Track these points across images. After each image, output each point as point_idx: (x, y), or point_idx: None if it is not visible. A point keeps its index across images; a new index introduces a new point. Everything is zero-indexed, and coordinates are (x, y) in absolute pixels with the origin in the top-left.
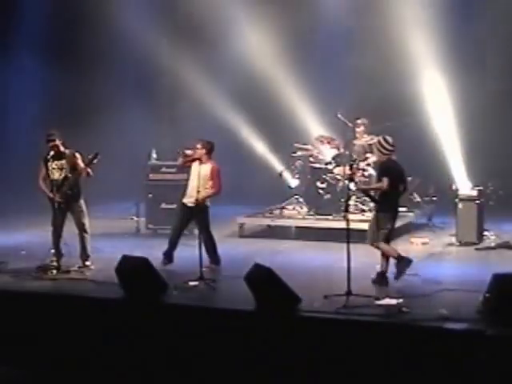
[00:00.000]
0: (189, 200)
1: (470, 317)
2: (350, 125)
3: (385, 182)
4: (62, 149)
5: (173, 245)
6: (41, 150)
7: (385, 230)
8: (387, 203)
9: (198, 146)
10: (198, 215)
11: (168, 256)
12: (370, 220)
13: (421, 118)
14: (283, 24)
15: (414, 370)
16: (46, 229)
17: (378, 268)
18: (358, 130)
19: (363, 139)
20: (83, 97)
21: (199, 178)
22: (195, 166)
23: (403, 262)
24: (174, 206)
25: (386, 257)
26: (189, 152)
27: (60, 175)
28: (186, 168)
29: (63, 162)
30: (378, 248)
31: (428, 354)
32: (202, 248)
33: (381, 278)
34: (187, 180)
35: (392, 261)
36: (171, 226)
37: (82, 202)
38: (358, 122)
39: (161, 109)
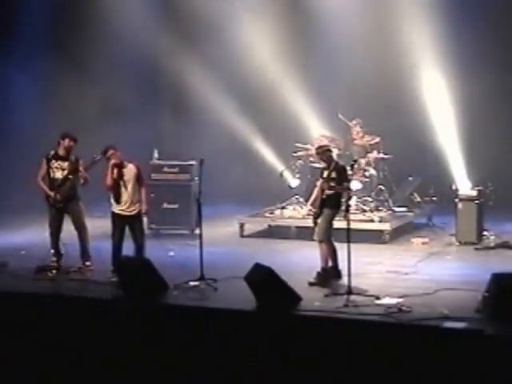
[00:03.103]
0: (127, 209)
1: (470, 316)
2: (351, 124)
3: (346, 184)
4: (71, 152)
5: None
6: (41, 150)
7: (331, 228)
8: (338, 201)
9: (112, 151)
10: (134, 222)
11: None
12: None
13: (421, 118)
14: (284, 24)
15: (414, 369)
16: (46, 229)
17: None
18: (354, 129)
19: (364, 139)
20: (84, 97)
21: (129, 182)
22: (115, 172)
23: (326, 275)
24: (176, 206)
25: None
26: (115, 162)
27: (61, 175)
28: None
29: (66, 164)
30: (323, 245)
31: (428, 354)
32: (202, 248)
33: (334, 272)
34: (117, 191)
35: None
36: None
37: (80, 202)
38: (353, 122)
39: (163, 108)
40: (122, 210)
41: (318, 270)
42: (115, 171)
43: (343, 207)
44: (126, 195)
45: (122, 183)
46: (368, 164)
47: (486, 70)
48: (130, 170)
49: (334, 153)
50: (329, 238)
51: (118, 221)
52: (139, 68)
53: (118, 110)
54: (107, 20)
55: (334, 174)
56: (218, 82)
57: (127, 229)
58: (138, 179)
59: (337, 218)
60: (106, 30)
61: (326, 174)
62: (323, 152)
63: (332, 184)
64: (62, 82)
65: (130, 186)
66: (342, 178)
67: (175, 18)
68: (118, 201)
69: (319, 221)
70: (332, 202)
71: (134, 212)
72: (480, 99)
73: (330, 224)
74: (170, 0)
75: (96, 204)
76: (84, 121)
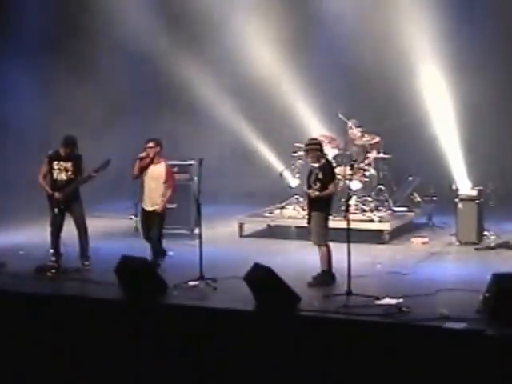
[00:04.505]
0: (148, 204)
1: (470, 316)
2: (350, 123)
3: (337, 186)
4: (74, 153)
5: (152, 250)
6: (41, 151)
7: (326, 230)
8: (328, 202)
9: (151, 144)
10: (154, 217)
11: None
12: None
13: (420, 118)
14: (283, 23)
15: (414, 369)
16: (45, 229)
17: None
18: (351, 131)
19: (364, 139)
20: (84, 97)
21: (153, 180)
22: (142, 164)
23: (326, 277)
24: (174, 206)
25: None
26: (143, 154)
27: (65, 176)
28: (141, 175)
29: (69, 164)
30: (323, 248)
31: (428, 354)
32: (202, 248)
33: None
34: (142, 183)
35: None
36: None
37: (80, 202)
38: (349, 124)
39: (160, 108)
40: (145, 204)
41: (318, 271)
42: (141, 164)
43: (343, 207)
44: (148, 191)
45: (146, 178)
46: (368, 164)
47: (487, 70)
48: (157, 168)
49: (332, 152)
50: (325, 241)
51: (142, 215)
52: (139, 68)
53: (117, 110)
54: (107, 20)
55: (320, 175)
56: (218, 82)
57: None
58: (165, 179)
59: (337, 218)
60: (106, 30)
61: (313, 173)
62: (310, 150)
63: (318, 185)
64: (62, 82)
65: (153, 183)
66: (328, 179)
67: (176, 17)
68: (141, 193)
69: (312, 225)
70: (320, 204)
71: (152, 209)
72: (480, 98)
73: (324, 226)
74: (170, 0)
75: (96, 203)
76: (84, 120)
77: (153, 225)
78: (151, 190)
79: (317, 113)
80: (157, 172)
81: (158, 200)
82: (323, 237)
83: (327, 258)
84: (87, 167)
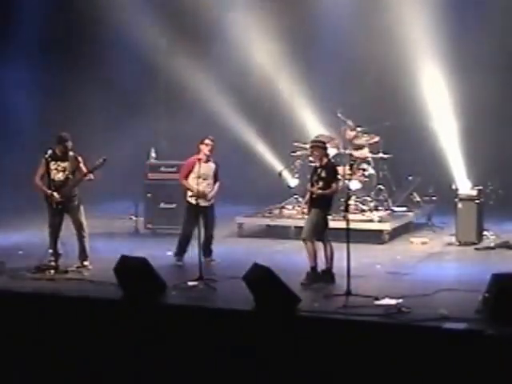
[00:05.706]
0: (200, 200)
1: (470, 317)
2: (350, 123)
3: (339, 184)
4: (69, 152)
5: (184, 246)
6: (41, 151)
7: (319, 228)
8: (329, 201)
9: (208, 141)
10: (207, 213)
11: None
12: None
13: (420, 118)
14: (283, 22)
15: (414, 370)
16: (44, 229)
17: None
18: (347, 132)
19: (364, 138)
20: (83, 96)
21: (203, 177)
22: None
23: (316, 274)
24: (173, 206)
25: (329, 253)
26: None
27: (62, 176)
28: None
29: (66, 164)
30: (309, 244)
31: (428, 354)
32: (201, 248)
33: (327, 275)
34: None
35: (338, 255)
36: (182, 228)
37: (79, 202)
38: (342, 128)
39: (160, 108)
40: (195, 200)
41: (308, 270)
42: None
43: (342, 207)
44: (200, 188)
45: (194, 179)
46: (364, 159)
47: (487, 69)
48: (209, 166)
49: (331, 152)
50: (314, 238)
51: (191, 209)
52: (138, 67)
53: (117, 110)
54: (106, 20)
55: (323, 173)
56: (216, 81)
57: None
58: (215, 176)
59: (336, 218)
60: (104, 30)
61: (316, 172)
62: (317, 147)
63: (321, 183)
64: (58, 80)
65: (205, 182)
66: (331, 177)
67: (175, 16)
68: (185, 193)
69: (307, 219)
70: (321, 202)
71: (207, 204)
72: (480, 98)
73: (318, 224)
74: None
75: (96, 204)
76: (83, 120)
77: (208, 219)
78: (204, 187)
79: (316, 112)
80: (207, 169)
81: (210, 196)
82: (313, 233)
83: (314, 255)
84: (88, 166)
